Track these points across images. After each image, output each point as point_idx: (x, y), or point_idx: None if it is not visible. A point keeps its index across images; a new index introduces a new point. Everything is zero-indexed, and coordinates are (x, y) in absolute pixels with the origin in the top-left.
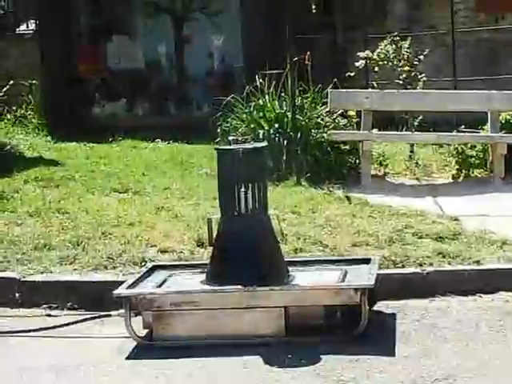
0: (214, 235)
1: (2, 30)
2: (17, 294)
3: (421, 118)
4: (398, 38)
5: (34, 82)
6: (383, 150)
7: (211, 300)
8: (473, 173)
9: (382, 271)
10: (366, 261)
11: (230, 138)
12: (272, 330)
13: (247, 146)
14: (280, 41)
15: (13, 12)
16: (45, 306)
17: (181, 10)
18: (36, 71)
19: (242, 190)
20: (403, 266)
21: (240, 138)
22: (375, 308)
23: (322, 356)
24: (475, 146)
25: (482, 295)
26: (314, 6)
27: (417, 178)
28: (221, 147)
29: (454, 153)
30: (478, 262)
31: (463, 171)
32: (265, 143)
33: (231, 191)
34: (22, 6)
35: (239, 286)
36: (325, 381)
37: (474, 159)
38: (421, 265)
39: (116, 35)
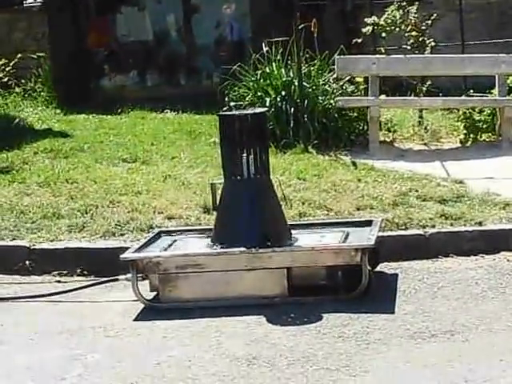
0: (218, 199)
1: (9, 2)
2: (27, 262)
3: (429, 83)
4: (405, 2)
5: (42, 54)
6: (392, 116)
7: (215, 262)
8: (481, 137)
9: (385, 233)
10: (368, 223)
11: (232, 104)
12: (275, 290)
13: (248, 111)
14: (287, 8)
15: None
16: (55, 272)
17: None
18: (44, 44)
19: (244, 154)
20: (406, 228)
21: (241, 104)
22: (378, 269)
23: (323, 315)
24: (483, 111)
25: (483, 255)
26: None
27: (425, 144)
28: (222, 113)
29: (462, 117)
30: (480, 223)
31: (471, 136)
32: (265, 109)
33: (233, 156)
34: None
35: (242, 248)
36: (326, 337)
37: (482, 123)
38: (423, 227)
39: (125, 6)
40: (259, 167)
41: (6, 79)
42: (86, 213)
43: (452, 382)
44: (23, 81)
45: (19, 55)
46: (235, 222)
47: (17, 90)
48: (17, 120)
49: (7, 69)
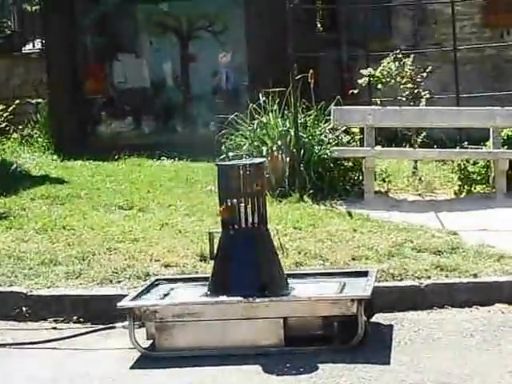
0: (216, 249)
1: (8, 49)
2: (24, 308)
3: (424, 134)
4: (401, 55)
5: (40, 100)
6: (387, 167)
7: (212, 311)
8: (475, 189)
9: (380, 284)
10: (364, 273)
11: (231, 154)
12: (271, 340)
13: (247, 161)
14: (284, 58)
15: (19, 31)
16: (51, 319)
17: (186, 28)
18: (42, 90)
19: (242, 204)
20: (401, 279)
21: (240, 154)
22: (373, 319)
23: (319, 365)
24: (477, 162)
25: (478, 307)
26: (319, 25)
27: (419, 194)
28: (221, 163)
29: (457, 169)
30: (474, 275)
31: (465, 187)
32: (263, 159)
33: (231, 205)
34: (29, 26)
35: (239, 298)
36: None
37: (476, 175)
38: (419, 278)
39: (122, 54)
40: (257, 217)
41: (3, 125)
42: (83, 260)
43: None
44: (20, 127)
45: (17, 101)
46: (232, 271)
47: (14, 135)
48: (14, 166)
49: (5, 115)
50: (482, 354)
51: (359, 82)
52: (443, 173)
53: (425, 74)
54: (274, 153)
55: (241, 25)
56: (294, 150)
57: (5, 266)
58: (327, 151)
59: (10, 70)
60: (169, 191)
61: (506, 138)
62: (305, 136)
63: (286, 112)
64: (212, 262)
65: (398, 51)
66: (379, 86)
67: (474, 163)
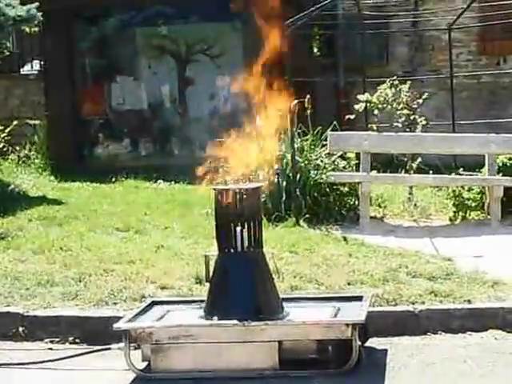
0: (211, 271)
1: (7, 70)
2: (20, 329)
3: (420, 160)
4: (397, 81)
5: (37, 122)
6: (382, 192)
7: (208, 334)
8: (470, 215)
9: (375, 309)
10: (359, 298)
11: (227, 178)
12: (266, 363)
13: (243, 185)
14: (281, 83)
15: (18, 53)
16: (47, 339)
17: (185, 51)
18: (40, 111)
19: (238, 227)
20: (396, 304)
21: (237, 178)
22: (367, 344)
23: None
24: (472, 189)
25: (471, 333)
26: (316, 51)
27: (414, 220)
28: (218, 187)
29: (452, 195)
30: (468, 301)
31: (460, 213)
32: (260, 183)
33: (227, 229)
34: (27, 47)
35: (235, 321)
36: None
37: (471, 202)
38: (413, 303)
39: (120, 76)
40: (252, 241)
41: (0, 145)
42: (80, 281)
43: None
44: (18, 148)
45: (15, 122)
46: (228, 294)
47: (12, 156)
48: (11, 187)
49: (3, 135)
50: (476, 379)
51: (356, 107)
52: (438, 199)
53: (421, 101)
54: (270, 177)
55: (239, 48)
56: (291, 175)
57: (2, 286)
58: (323, 176)
59: (8, 90)
60: (165, 214)
61: (501, 165)
62: (301, 160)
63: (282, 136)
64: (208, 285)
65: (394, 77)
66: (376, 111)
67: (469, 190)
